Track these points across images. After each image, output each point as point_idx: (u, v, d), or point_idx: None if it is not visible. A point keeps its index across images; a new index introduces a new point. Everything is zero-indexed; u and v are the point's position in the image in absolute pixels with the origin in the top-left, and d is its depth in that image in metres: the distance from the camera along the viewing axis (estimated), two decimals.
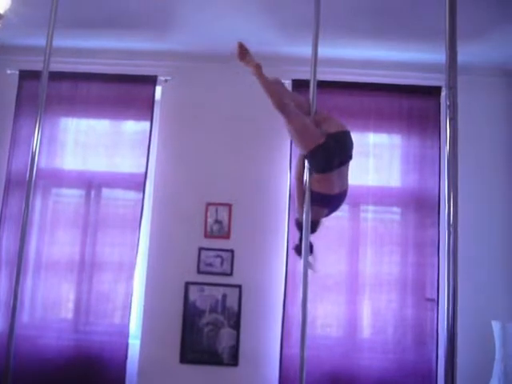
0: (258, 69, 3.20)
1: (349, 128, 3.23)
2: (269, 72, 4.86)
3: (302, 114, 3.17)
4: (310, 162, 3.13)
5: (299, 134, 3.14)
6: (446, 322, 2.01)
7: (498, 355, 4.37)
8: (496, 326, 4.42)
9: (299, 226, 3.25)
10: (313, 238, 3.21)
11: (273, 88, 3.16)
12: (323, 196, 3.16)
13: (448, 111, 2.18)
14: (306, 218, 3.11)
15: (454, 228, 2.02)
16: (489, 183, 4.87)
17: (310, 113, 3.23)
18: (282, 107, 3.10)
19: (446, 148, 2.17)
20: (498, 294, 4.72)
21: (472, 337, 4.47)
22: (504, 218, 4.85)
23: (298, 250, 3.27)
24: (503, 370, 4.29)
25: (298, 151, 3.33)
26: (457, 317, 1.98)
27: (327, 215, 3.33)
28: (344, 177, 3.23)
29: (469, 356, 4.33)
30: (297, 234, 3.35)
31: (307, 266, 3.11)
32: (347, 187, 3.27)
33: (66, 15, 3.62)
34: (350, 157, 3.21)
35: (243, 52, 3.28)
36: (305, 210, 3.12)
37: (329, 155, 3.07)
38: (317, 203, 3.15)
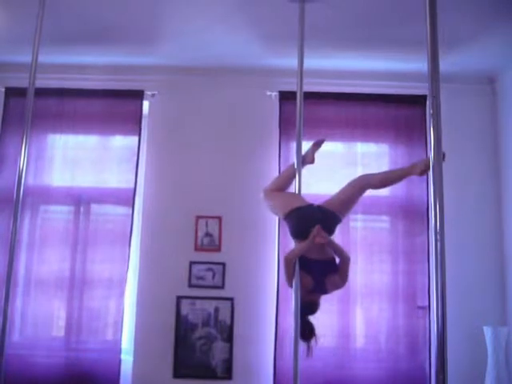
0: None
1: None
2: (255, 84, 4.94)
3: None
4: (287, 226, 3.35)
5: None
6: (435, 329, 2.01)
7: (490, 360, 4.37)
8: (488, 331, 4.43)
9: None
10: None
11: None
12: (303, 259, 3.19)
13: (431, 120, 2.20)
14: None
15: (440, 235, 2.03)
16: (475, 189, 4.90)
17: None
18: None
19: (431, 156, 2.18)
20: (489, 299, 4.73)
21: (464, 343, 4.49)
22: (492, 223, 4.86)
23: (304, 336, 3.22)
24: (496, 376, 4.29)
25: None
26: (446, 323, 1.98)
27: (319, 290, 3.29)
28: (323, 247, 3.24)
29: (461, 362, 4.35)
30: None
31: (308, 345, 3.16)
32: (331, 257, 3.29)
33: (52, 31, 3.63)
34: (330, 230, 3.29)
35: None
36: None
37: (304, 220, 3.21)
38: (300, 267, 3.18)
